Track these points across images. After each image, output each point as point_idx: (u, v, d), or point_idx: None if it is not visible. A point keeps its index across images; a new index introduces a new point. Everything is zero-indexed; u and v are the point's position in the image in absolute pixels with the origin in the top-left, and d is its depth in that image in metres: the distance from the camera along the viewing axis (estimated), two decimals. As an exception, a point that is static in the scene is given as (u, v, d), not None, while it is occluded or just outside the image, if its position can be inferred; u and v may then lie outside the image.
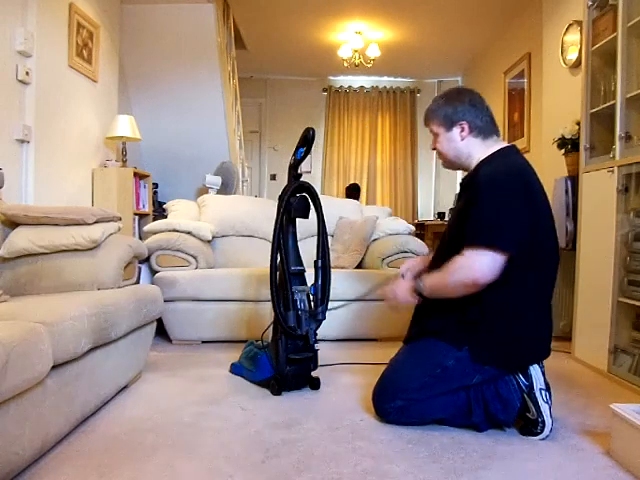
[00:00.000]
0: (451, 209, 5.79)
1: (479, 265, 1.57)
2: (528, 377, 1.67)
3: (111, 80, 3.94)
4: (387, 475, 1.41)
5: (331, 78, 7.40)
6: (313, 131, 2.08)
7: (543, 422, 1.63)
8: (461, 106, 1.77)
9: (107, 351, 1.79)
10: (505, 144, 1.81)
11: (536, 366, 1.69)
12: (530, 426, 1.66)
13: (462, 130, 1.77)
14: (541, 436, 1.64)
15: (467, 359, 1.66)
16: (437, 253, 1.90)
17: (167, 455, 1.50)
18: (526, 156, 1.68)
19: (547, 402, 1.65)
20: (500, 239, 1.58)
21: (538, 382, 1.66)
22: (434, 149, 1.87)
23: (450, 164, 1.87)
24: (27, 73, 2.87)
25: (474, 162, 1.78)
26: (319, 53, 6.22)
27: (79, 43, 3.41)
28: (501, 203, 1.61)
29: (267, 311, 2.73)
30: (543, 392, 1.66)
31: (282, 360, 2.06)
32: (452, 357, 1.67)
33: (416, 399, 1.71)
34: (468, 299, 1.64)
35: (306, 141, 2.10)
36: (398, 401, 1.72)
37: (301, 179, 2.16)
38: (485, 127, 1.77)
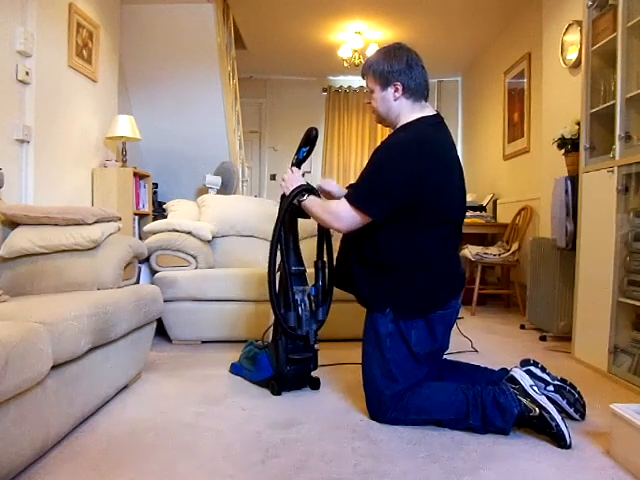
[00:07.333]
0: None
1: (343, 218, 1.82)
2: (516, 382, 1.71)
3: (111, 80, 3.94)
4: (387, 475, 1.41)
5: (331, 78, 7.39)
6: (316, 130, 2.07)
7: (547, 412, 1.62)
8: (398, 66, 1.84)
9: (107, 351, 1.79)
10: (430, 112, 1.90)
11: (519, 370, 1.76)
12: (542, 425, 1.63)
13: (396, 90, 1.85)
14: (561, 423, 1.59)
15: (394, 319, 1.80)
16: None
17: (167, 455, 1.50)
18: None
19: (540, 394, 1.67)
20: (370, 207, 1.78)
21: (525, 382, 1.70)
22: (368, 103, 1.96)
23: (381, 120, 1.97)
24: (27, 73, 2.87)
25: (400, 123, 1.89)
26: (319, 53, 6.22)
27: (79, 43, 3.41)
28: (385, 172, 1.76)
29: (267, 311, 2.72)
30: (533, 387, 1.69)
31: (282, 360, 2.06)
32: (387, 322, 1.80)
33: (401, 387, 1.76)
34: (375, 267, 1.83)
35: (309, 140, 2.08)
36: (387, 397, 1.76)
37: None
38: (417, 89, 1.86)
